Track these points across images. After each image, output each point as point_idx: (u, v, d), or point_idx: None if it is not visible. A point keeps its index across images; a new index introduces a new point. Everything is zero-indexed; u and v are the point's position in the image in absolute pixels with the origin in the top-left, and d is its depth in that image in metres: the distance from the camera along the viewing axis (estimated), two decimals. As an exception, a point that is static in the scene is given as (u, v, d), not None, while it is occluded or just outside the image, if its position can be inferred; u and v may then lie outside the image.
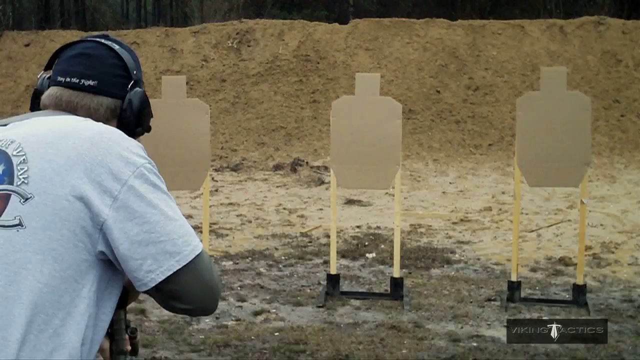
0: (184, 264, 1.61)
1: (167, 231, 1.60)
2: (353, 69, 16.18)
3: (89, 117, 1.76)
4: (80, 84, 1.78)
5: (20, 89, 17.50)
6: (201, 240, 1.88)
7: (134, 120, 1.83)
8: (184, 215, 1.68)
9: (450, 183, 12.97)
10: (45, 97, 1.81)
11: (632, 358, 5.24)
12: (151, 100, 1.93)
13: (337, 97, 7.99)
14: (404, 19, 18.39)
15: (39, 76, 1.89)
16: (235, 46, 17.81)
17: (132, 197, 1.59)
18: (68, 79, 1.79)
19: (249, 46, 17.78)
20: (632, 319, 6.12)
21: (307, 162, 14.08)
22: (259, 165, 14.36)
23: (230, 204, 11.15)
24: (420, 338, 5.61)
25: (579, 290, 6.42)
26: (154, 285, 1.61)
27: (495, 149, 14.88)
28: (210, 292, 1.66)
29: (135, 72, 1.85)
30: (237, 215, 10.33)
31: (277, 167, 14.03)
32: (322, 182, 12.38)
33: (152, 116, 1.90)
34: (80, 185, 1.58)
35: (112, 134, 1.68)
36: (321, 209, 10.72)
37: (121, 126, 1.80)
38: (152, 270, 1.59)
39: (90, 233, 1.58)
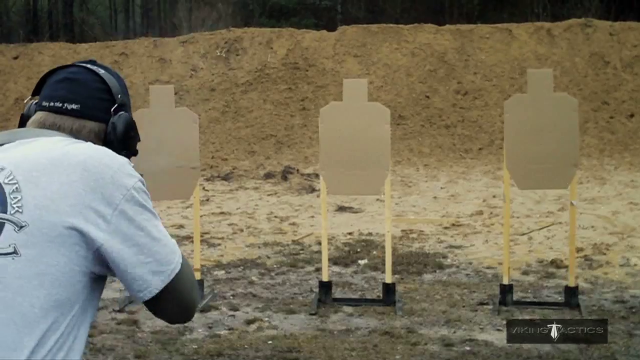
0: (167, 282, 1.68)
1: (152, 252, 1.67)
2: (342, 75, 16.18)
3: (71, 136, 1.78)
4: (64, 107, 1.80)
5: (9, 102, 17.45)
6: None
7: (118, 145, 1.84)
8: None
9: (441, 188, 12.98)
10: (30, 122, 1.84)
11: (625, 359, 5.25)
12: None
13: (327, 104, 8.00)
14: (391, 25, 18.42)
15: (25, 102, 1.92)
16: (223, 55, 17.82)
17: (123, 221, 1.64)
18: (52, 103, 1.81)
19: (237, 55, 17.79)
20: (624, 319, 6.12)
21: (297, 170, 14.08)
22: (249, 174, 14.34)
23: (222, 213, 11.13)
24: (413, 343, 5.60)
25: (571, 293, 6.43)
26: (142, 302, 1.71)
27: (485, 152, 14.91)
28: (186, 308, 1.76)
29: (119, 96, 1.86)
30: (229, 225, 10.31)
31: (268, 176, 14.02)
32: (313, 190, 12.38)
33: (139, 140, 1.92)
34: (74, 212, 1.60)
35: (103, 157, 1.69)
36: (313, 217, 10.71)
37: None
38: (140, 290, 1.67)
39: (84, 256, 1.62)
